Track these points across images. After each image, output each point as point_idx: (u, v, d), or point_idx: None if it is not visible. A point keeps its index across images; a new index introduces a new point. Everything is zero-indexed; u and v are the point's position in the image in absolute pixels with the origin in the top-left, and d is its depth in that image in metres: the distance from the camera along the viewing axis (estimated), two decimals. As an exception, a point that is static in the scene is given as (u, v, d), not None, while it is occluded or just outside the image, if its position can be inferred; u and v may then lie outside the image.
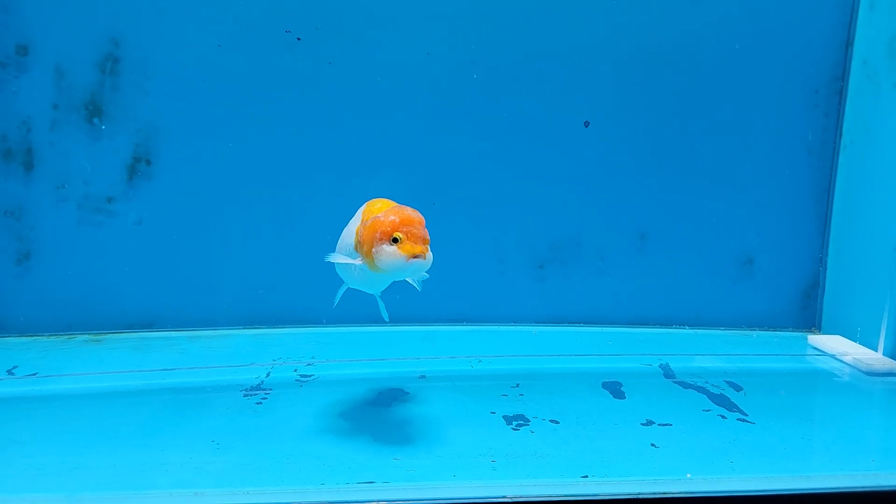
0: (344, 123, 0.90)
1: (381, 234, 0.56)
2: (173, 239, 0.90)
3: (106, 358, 0.82)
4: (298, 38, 0.88)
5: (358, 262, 0.59)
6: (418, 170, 0.92)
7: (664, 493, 0.52)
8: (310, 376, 0.77)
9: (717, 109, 0.93)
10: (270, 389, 0.72)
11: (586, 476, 0.55)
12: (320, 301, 0.94)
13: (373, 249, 0.56)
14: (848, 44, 0.91)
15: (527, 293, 0.99)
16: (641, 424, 0.64)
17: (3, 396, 0.71)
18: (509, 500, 0.52)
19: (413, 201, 0.94)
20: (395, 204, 0.61)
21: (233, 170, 0.89)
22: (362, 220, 0.60)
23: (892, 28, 0.85)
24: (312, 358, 0.83)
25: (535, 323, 0.97)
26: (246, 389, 0.72)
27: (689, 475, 0.54)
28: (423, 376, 0.77)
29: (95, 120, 0.86)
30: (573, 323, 0.97)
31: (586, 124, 0.93)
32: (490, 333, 0.94)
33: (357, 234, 0.60)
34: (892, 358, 0.81)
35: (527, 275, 0.96)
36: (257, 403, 0.69)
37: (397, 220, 0.56)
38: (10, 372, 0.77)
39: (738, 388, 0.74)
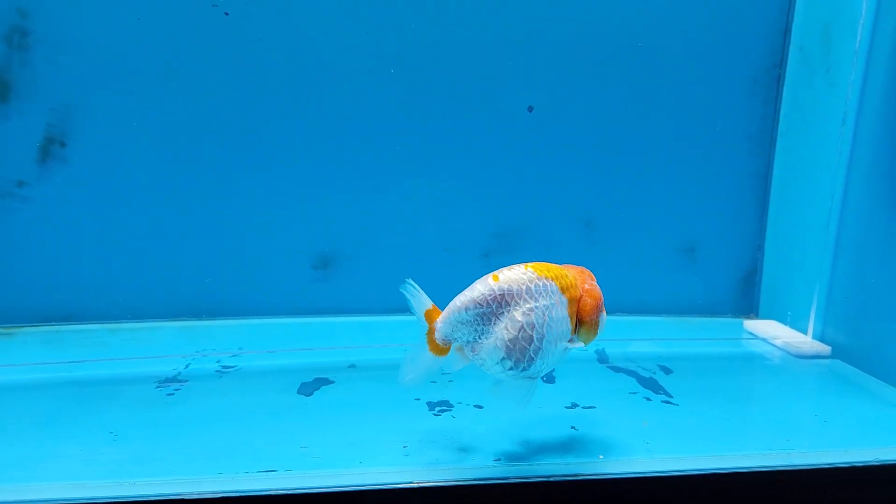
0: (276, 106, 0.87)
1: (599, 304, 0.52)
2: (93, 226, 0.85)
3: (14, 351, 0.77)
4: (226, 13, 0.84)
5: (578, 343, 0.53)
6: (356, 156, 0.89)
7: (576, 475, 0.50)
8: (232, 367, 0.74)
9: (659, 97, 0.92)
10: (186, 381, 0.69)
11: (499, 459, 0.53)
12: (252, 292, 0.91)
13: (597, 319, 0.53)
14: (786, 31, 0.91)
15: (471, 282, 0.96)
16: (566, 407, 0.63)
17: None
18: (416, 485, 0.50)
19: (352, 188, 0.93)
20: (550, 265, 0.53)
21: (156, 152, 0.85)
22: (568, 299, 0.51)
23: (826, 14, 0.85)
24: (240, 349, 0.80)
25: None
26: (160, 381, 0.69)
27: (601, 457, 0.53)
28: (354, 366, 0.75)
29: (3, 97, 0.81)
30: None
31: (530, 109, 0.91)
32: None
33: (572, 317, 0.52)
34: (820, 341, 0.81)
35: (472, 264, 0.94)
36: (169, 395, 0.65)
37: (594, 282, 0.53)
38: None
39: (668, 371, 0.72)
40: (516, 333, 0.49)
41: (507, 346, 0.50)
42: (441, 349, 0.51)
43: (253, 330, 0.88)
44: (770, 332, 0.86)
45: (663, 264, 0.95)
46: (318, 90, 0.87)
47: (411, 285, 0.53)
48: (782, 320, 0.89)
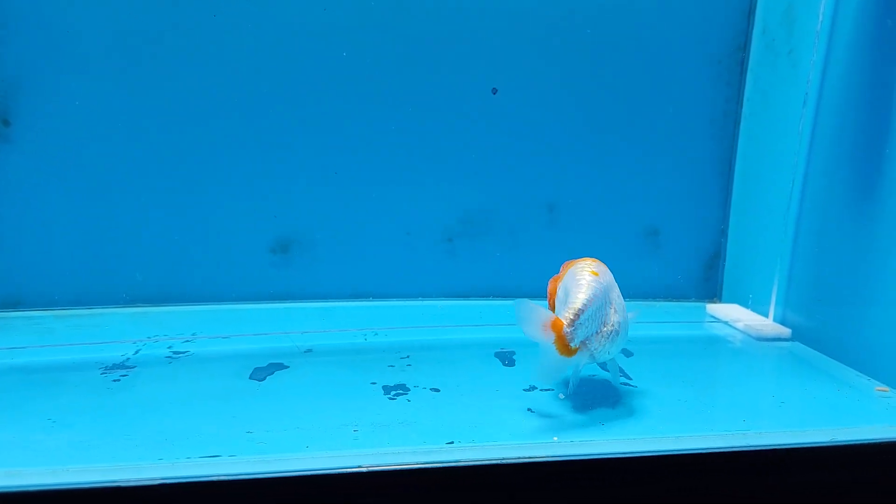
0: (233, 85, 0.84)
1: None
2: (39, 210, 0.82)
3: (-46, 338, 0.74)
4: (179, -9, 0.81)
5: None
6: (317, 138, 0.87)
7: (529, 458, 0.49)
8: (183, 353, 0.71)
9: (623, 80, 0.91)
10: (134, 367, 0.67)
11: (452, 442, 0.51)
12: (208, 277, 0.88)
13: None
14: (750, 12, 0.91)
15: (435, 267, 0.95)
16: (524, 390, 0.62)
17: None
18: (365, 469, 0.48)
19: (312, 171, 0.90)
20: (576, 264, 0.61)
21: (105, 131, 0.82)
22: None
23: (790, -5, 0.85)
24: (193, 334, 0.77)
25: (444, 297, 0.93)
26: (106, 367, 0.66)
27: (555, 439, 0.52)
28: (310, 350, 0.73)
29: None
30: (483, 297, 0.94)
31: (494, 91, 0.90)
32: (393, 308, 0.90)
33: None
34: (781, 324, 0.81)
35: (435, 248, 0.92)
36: (115, 381, 0.63)
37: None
38: None
39: (628, 354, 0.72)
40: (624, 313, 0.58)
41: (624, 326, 0.58)
42: (573, 351, 0.54)
43: (208, 315, 0.85)
44: (732, 315, 0.86)
45: (627, 248, 0.95)
46: (275, 71, 0.85)
47: (526, 302, 0.54)
48: (744, 303, 0.89)
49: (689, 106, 0.93)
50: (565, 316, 0.54)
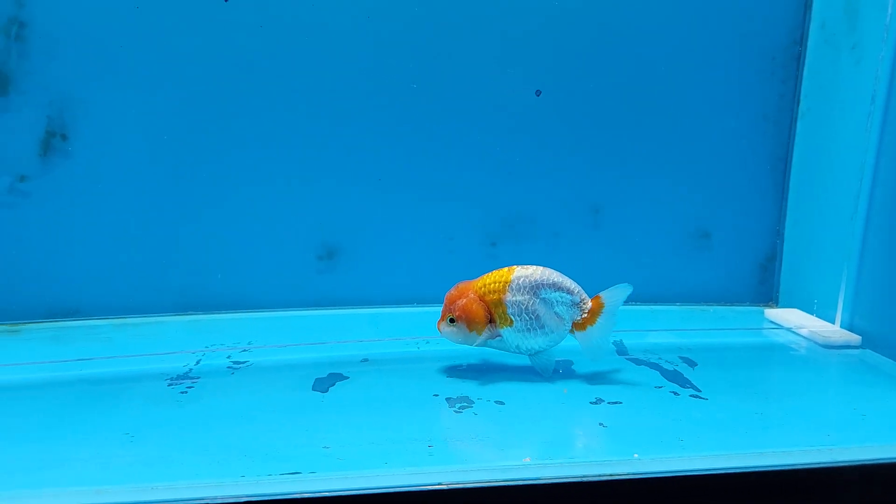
0: (279, 94, 0.84)
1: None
2: (96, 220, 0.83)
3: (21, 349, 0.75)
4: (226, 0, 0.81)
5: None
6: (361, 142, 0.87)
7: (610, 475, 0.49)
8: (243, 363, 0.72)
9: (671, 77, 0.89)
10: (199, 378, 0.67)
11: (528, 459, 0.51)
12: (261, 285, 0.89)
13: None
14: (806, 7, 0.89)
15: (479, 271, 0.95)
16: (591, 403, 0.61)
17: None
18: (445, 487, 0.48)
19: (356, 175, 0.90)
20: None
21: (159, 145, 0.83)
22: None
23: (849, -11, 0.83)
24: (249, 344, 0.78)
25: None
26: (171, 378, 0.67)
27: (636, 455, 0.51)
28: (366, 360, 0.73)
29: (2, 90, 0.78)
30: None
31: (538, 93, 0.89)
32: (439, 315, 0.90)
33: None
34: (849, 330, 0.80)
35: (478, 252, 0.92)
36: (182, 393, 0.63)
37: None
38: (-90, 365, 0.70)
39: (692, 364, 0.71)
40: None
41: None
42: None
43: (260, 324, 0.86)
44: (794, 321, 0.84)
45: (676, 251, 0.94)
46: (321, 80, 0.85)
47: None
48: (806, 309, 0.87)
49: (740, 103, 0.91)
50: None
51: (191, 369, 0.70)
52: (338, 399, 0.63)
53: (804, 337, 0.81)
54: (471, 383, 0.66)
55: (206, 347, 0.76)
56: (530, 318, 0.65)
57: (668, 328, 0.84)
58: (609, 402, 0.61)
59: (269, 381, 0.67)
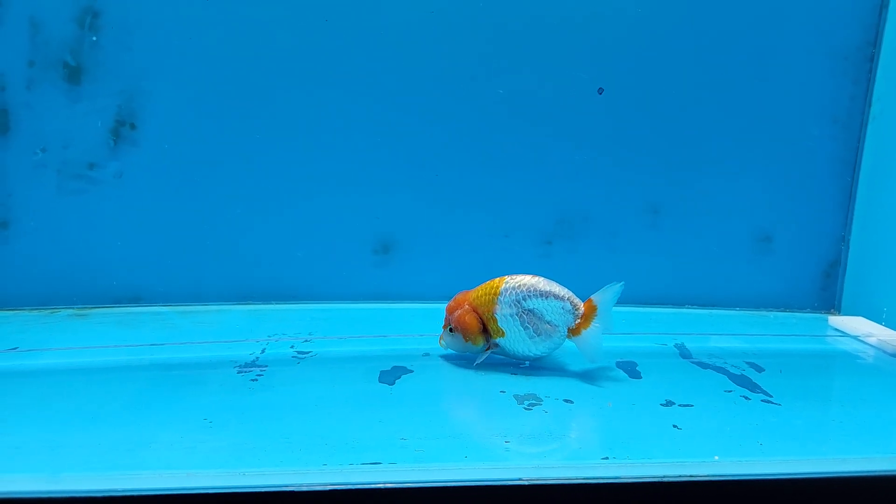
0: (342, 87, 0.85)
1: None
2: (161, 209, 0.85)
3: (91, 333, 0.77)
4: (292, -5, 0.82)
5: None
6: (420, 139, 0.88)
7: (691, 476, 0.48)
8: (307, 353, 0.73)
9: (736, 77, 0.88)
10: (266, 366, 0.68)
11: (607, 458, 0.51)
12: (318, 276, 0.90)
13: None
14: (882, 6, 0.87)
15: (533, 269, 0.94)
16: (661, 405, 0.61)
17: (-21, 371, 0.66)
18: (525, 482, 0.48)
19: (415, 172, 0.91)
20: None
21: (225, 134, 0.84)
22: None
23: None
24: (309, 334, 0.79)
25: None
26: (240, 366, 0.68)
27: (716, 457, 0.51)
28: (427, 354, 0.74)
29: (75, 79, 0.80)
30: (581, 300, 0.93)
31: (600, 91, 0.88)
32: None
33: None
34: (920, 340, 0.78)
35: (533, 250, 0.92)
36: (252, 380, 0.64)
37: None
38: (-12, 346, 0.72)
39: (759, 369, 0.70)
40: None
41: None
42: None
43: (318, 314, 0.87)
44: (861, 329, 0.83)
45: (736, 254, 0.92)
46: (379, 75, 0.85)
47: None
48: (871, 317, 0.86)
49: (808, 104, 0.89)
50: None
51: (257, 358, 0.71)
52: (405, 392, 0.63)
53: (871, 346, 0.79)
54: (535, 380, 0.66)
55: (269, 337, 0.77)
56: (521, 327, 0.66)
57: (729, 332, 0.84)
58: (680, 405, 0.61)
59: (335, 371, 0.68)
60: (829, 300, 0.93)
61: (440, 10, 0.85)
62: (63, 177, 0.82)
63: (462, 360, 0.72)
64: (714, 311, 0.91)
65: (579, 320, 0.66)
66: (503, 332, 0.67)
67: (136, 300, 0.87)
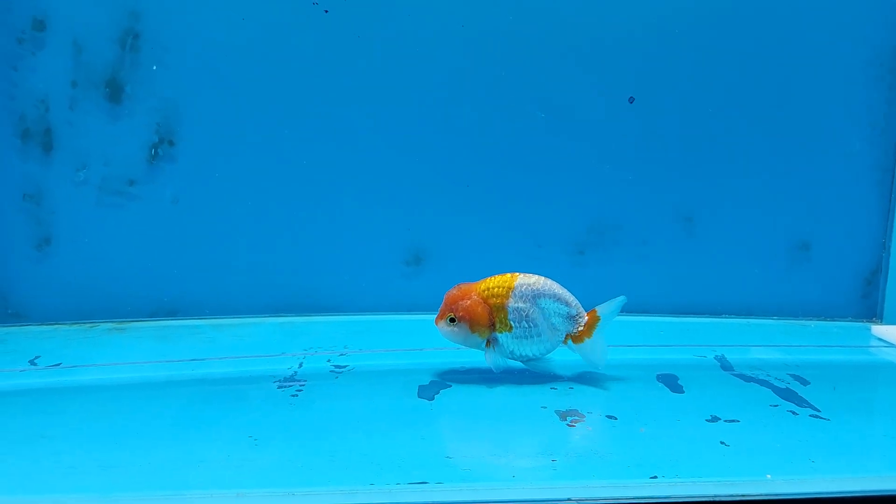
0: (373, 101, 0.86)
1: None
2: (197, 223, 0.86)
3: (131, 347, 0.78)
4: (326, 11, 0.83)
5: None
6: (450, 149, 0.88)
7: (743, 496, 0.48)
8: (344, 367, 0.73)
9: (770, 82, 0.87)
10: (305, 381, 0.69)
11: (655, 477, 0.50)
12: (350, 288, 0.90)
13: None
14: (921, 10, 0.85)
15: (565, 279, 0.94)
16: (706, 420, 0.60)
17: (27, 388, 0.67)
18: (574, 501, 0.48)
19: (445, 182, 0.91)
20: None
21: (259, 150, 0.85)
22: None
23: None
24: (345, 347, 0.79)
25: (576, 311, 0.92)
26: (279, 380, 0.68)
27: (769, 476, 0.50)
28: (463, 368, 0.73)
29: (116, 98, 0.82)
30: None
31: (631, 100, 0.88)
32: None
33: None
34: (968, 349, 0.76)
35: (565, 260, 0.91)
36: (293, 396, 0.65)
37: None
38: (32, 362, 0.73)
39: (804, 382, 0.69)
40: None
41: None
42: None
43: (352, 327, 0.87)
44: (905, 338, 0.81)
45: (774, 263, 0.91)
46: (409, 87, 0.86)
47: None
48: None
49: (845, 110, 0.88)
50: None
51: (295, 372, 0.71)
52: (445, 407, 0.63)
53: (920, 356, 0.77)
54: (576, 396, 0.65)
55: (305, 350, 0.78)
56: (529, 325, 0.67)
57: (770, 343, 0.82)
58: (725, 421, 0.60)
59: (373, 386, 0.68)
60: (871, 308, 0.91)
61: (470, 23, 0.85)
62: (103, 193, 0.84)
63: (499, 375, 0.71)
64: (752, 321, 0.90)
65: (581, 328, 0.68)
66: (511, 327, 0.67)
67: (172, 313, 0.88)
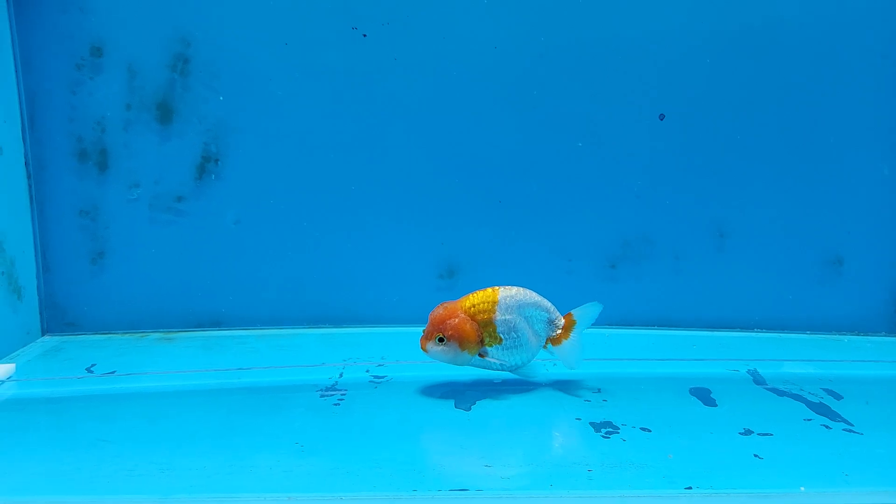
0: (410, 121, 0.89)
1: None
2: (241, 238, 0.90)
3: (179, 356, 0.82)
4: (364, 35, 0.87)
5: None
6: (484, 165, 0.90)
7: (779, 509, 0.49)
8: (382, 377, 0.76)
9: (802, 96, 0.88)
10: (346, 390, 0.71)
11: (690, 488, 0.52)
12: (386, 301, 0.93)
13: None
14: (950, 25, 0.85)
15: (597, 294, 0.95)
16: (739, 434, 0.61)
17: (85, 394, 0.71)
18: (611, 512, 0.49)
19: (478, 198, 0.93)
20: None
21: (301, 167, 0.89)
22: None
23: None
24: (382, 358, 0.82)
25: (607, 325, 0.93)
26: (322, 390, 0.71)
27: (802, 489, 0.51)
28: (499, 380, 0.75)
29: (167, 119, 0.86)
30: (647, 325, 0.94)
31: (661, 117, 0.89)
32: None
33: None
34: None
35: (597, 274, 0.93)
36: (335, 405, 0.68)
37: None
38: (88, 370, 0.78)
39: (837, 397, 0.69)
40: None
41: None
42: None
43: (388, 338, 0.90)
44: (943, 354, 0.81)
45: (806, 277, 0.91)
46: (442, 104, 0.88)
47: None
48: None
49: (877, 122, 0.88)
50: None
51: (336, 382, 0.74)
52: (482, 417, 0.65)
53: (957, 372, 0.77)
54: (609, 408, 0.67)
55: (345, 361, 0.81)
56: (516, 335, 0.69)
57: (803, 358, 0.83)
58: (759, 434, 0.61)
59: (411, 396, 0.70)
60: (905, 324, 0.91)
61: (505, 41, 0.87)
62: (154, 210, 0.88)
63: (531, 387, 0.73)
64: (784, 336, 0.90)
65: (559, 331, 0.71)
66: (500, 339, 0.69)
67: (216, 324, 0.92)
